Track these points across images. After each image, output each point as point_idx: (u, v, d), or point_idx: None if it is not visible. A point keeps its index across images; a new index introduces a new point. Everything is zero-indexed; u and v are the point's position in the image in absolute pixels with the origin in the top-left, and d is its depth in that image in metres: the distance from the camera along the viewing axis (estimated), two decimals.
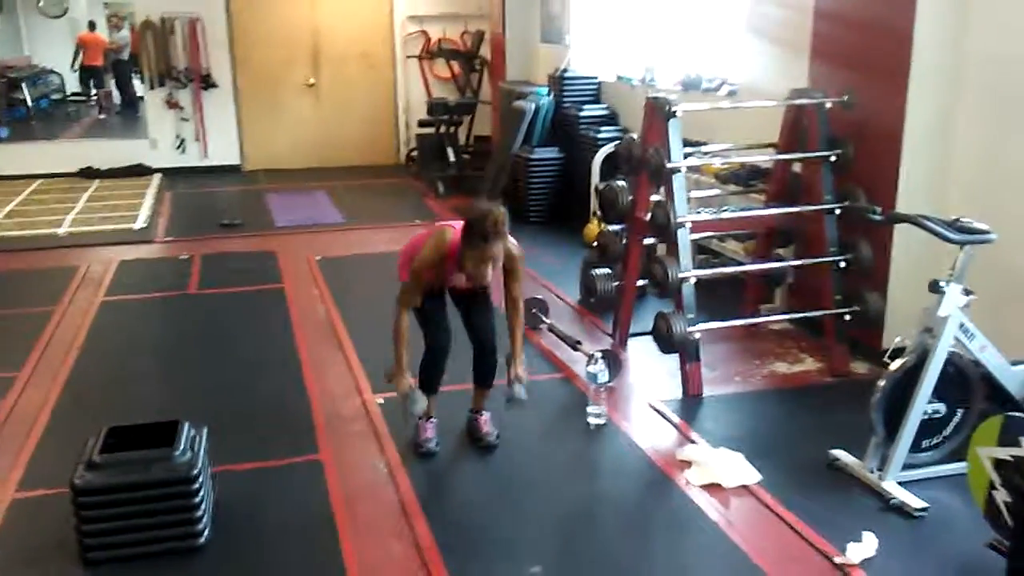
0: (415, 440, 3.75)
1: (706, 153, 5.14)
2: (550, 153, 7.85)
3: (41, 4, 17.34)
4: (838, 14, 4.72)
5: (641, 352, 4.82)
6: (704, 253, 5.72)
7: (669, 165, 4.23)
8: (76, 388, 4.45)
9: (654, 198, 4.61)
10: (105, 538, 2.91)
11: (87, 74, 15.87)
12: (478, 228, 3.21)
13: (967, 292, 3.26)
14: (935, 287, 3.24)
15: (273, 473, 3.58)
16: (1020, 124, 4.02)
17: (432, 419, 3.78)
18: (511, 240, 3.40)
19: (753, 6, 5.75)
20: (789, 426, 4.03)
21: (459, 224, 3.41)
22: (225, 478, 3.39)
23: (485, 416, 3.84)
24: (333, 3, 10.64)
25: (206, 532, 3.02)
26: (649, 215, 4.41)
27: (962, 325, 3.27)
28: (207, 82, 10.30)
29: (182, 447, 3.01)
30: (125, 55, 15.34)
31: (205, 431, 3.22)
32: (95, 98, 15.74)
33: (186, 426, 3.14)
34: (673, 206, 4.22)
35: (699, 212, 4.57)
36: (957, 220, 3.29)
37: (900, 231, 4.40)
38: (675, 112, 4.24)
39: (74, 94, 17.28)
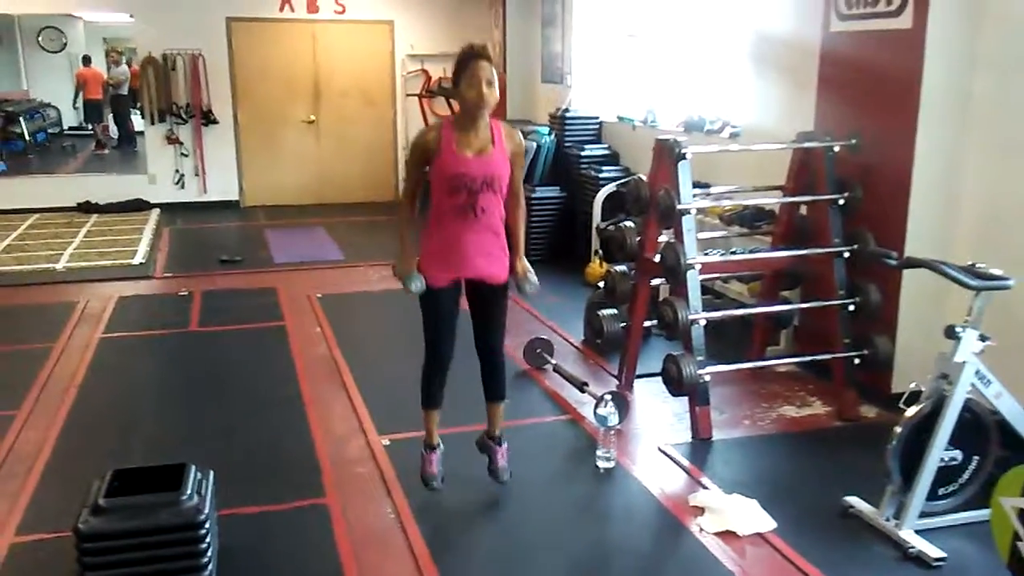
0: (421, 473, 3.67)
1: (710, 195, 5.14)
2: (551, 192, 7.87)
3: (40, 39, 17.41)
4: (845, 57, 4.74)
5: (646, 393, 4.78)
6: (707, 294, 5.69)
7: (679, 206, 4.22)
8: (76, 428, 4.37)
9: (662, 239, 4.60)
10: None
11: (90, 108, 15.82)
12: (465, 53, 3.30)
13: (983, 338, 3.24)
14: (951, 333, 3.22)
15: (278, 517, 3.51)
16: None
17: (437, 448, 3.68)
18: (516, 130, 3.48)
19: (757, 48, 5.79)
20: (801, 471, 3.98)
21: None
22: (229, 522, 3.32)
23: (503, 448, 3.72)
24: (334, 41, 10.71)
25: None
26: (659, 256, 4.39)
27: (978, 371, 3.25)
28: (208, 118, 10.33)
29: (189, 491, 2.94)
30: (124, 90, 15.38)
31: (212, 475, 3.16)
32: (95, 132, 15.73)
33: (193, 469, 3.08)
34: (683, 247, 4.21)
35: (707, 254, 4.55)
36: (973, 265, 3.28)
37: (908, 275, 4.38)
38: (685, 154, 4.24)
39: (71, 128, 17.31)
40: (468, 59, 3.27)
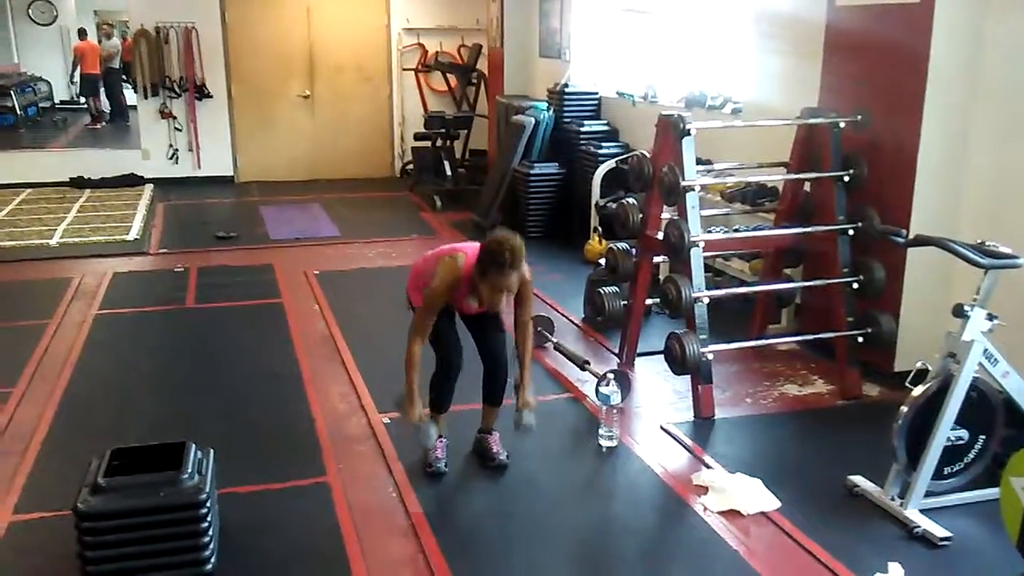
0: (424, 460, 3.66)
1: (710, 171, 5.10)
2: (550, 168, 7.78)
3: (30, 11, 17.22)
4: (851, 32, 4.68)
5: (647, 371, 4.75)
6: (707, 272, 5.65)
7: (683, 183, 4.17)
8: (73, 405, 4.33)
9: (665, 216, 4.55)
10: (109, 565, 2.79)
11: (87, 82, 15.60)
12: (495, 258, 3.21)
13: (991, 317, 3.21)
14: (959, 311, 3.19)
15: (279, 496, 3.48)
16: None
17: (442, 438, 3.71)
18: (524, 264, 3.37)
19: (760, 23, 5.72)
20: (804, 450, 3.96)
21: (470, 248, 3.42)
22: (230, 501, 3.28)
23: (495, 436, 3.77)
24: (329, 15, 10.58)
25: (213, 559, 2.91)
26: (662, 234, 4.34)
27: (986, 350, 3.22)
28: (202, 92, 10.21)
29: (189, 470, 2.91)
30: (116, 63, 15.20)
31: (212, 453, 3.12)
32: (90, 106, 15.53)
33: (193, 448, 3.04)
34: (687, 225, 4.16)
35: (710, 231, 4.51)
36: (983, 243, 3.25)
37: (913, 253, 4.35)
38: (689, 130, 4.19)
39: (63, 102, 17.14)
40: (499, 265, 3.21)
